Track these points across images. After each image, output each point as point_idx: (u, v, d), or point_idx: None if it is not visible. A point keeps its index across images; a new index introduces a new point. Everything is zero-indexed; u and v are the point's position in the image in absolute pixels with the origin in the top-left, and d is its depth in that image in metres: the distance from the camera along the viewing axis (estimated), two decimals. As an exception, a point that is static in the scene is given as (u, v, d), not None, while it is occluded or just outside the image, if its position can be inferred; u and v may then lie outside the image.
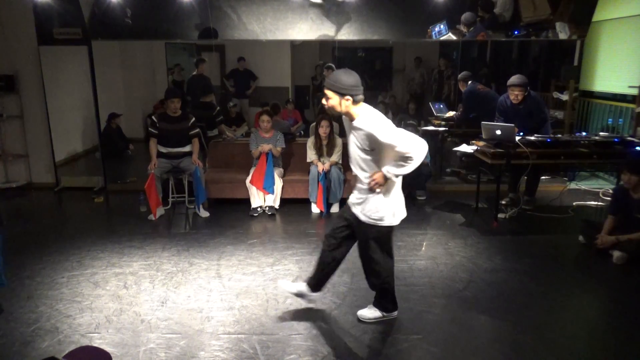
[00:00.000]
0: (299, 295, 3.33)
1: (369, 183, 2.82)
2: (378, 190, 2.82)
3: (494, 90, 6.41)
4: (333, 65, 6.97)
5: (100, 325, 3.14)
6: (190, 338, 3.00)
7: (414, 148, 2.72)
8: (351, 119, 2.83)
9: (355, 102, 2.79)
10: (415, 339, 2.99)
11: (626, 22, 6.14)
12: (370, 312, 3.20)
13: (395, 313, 3.22)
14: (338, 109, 2.80)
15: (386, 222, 2.91)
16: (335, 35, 6.28)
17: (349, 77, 2.78)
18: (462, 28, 6.29)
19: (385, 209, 2.89)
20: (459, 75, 6.34)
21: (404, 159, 2.73)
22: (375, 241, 2.97)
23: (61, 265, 4.08)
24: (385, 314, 3.19)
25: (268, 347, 2.91)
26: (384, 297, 3.17)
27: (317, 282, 3.28)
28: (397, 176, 2.81)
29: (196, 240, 4.62)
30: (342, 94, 2.76)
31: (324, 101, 2.86)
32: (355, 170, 2.94)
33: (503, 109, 5.27)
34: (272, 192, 5.34)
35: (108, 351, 2.83)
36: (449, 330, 3.10)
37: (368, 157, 2.83)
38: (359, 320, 3.18)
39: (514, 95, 5.08)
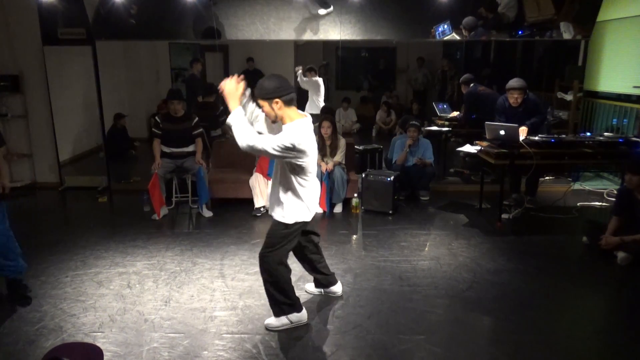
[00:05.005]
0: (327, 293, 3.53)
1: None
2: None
3: (497, 90, 6.40)
4: (315, 67, 7.06)
5: (104, 325, 3.15)
6: (193, 338, 3.00)
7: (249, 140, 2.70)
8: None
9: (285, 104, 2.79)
10: (419, 339, 2.98)
11: (631, 22, 6.11)
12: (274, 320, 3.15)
13: (299, 315, 3.13)
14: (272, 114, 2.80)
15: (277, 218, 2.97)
16: (339, 35, 6.27)
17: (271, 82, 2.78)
18: (464, 32, 6.29)
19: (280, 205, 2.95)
20: (461, 78, 6.35)
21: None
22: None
23: (65, 264, 4.10)
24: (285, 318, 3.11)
25: (271, 347, 2.91)
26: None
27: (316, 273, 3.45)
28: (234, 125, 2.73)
29: (199, 240, 4.62)
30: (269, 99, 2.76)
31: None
32: None
33: (502, 110, 5.27)
34: None
35: (111, 350, 2.85)
36: (452, 331, 3.10)
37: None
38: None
39: (514, 99, 5.11)
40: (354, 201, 5.43)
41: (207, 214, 5.33)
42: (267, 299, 3.16)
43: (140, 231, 4.87)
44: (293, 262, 4.07)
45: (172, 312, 3.31)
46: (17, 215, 5.51)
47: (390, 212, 5.34)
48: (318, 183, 3.08)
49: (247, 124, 2.73)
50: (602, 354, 2.94)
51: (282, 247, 2.97)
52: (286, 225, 2.93)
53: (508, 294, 3.57)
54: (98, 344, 2.80)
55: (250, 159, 5.66)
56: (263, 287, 3.62)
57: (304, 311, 3.16)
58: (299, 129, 2.74)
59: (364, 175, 5.54)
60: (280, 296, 3.04)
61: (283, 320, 3.09)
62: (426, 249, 4.43)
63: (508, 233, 4.79)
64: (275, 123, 2.89)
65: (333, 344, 2.94)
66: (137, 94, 7.48)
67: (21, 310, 3.35)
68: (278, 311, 3.08)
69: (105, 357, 2.74)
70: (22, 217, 5.53)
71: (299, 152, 2.72)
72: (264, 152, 2.69)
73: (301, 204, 2.92)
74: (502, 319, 3.23)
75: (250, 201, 5.45)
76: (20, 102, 6.41)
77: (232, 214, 5.38)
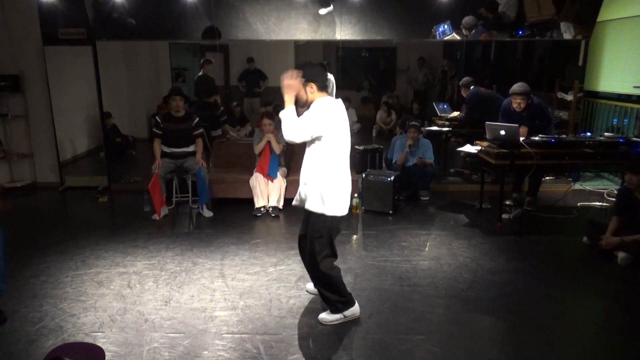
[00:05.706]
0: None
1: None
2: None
3: (496, 90, 6.40)
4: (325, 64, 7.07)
5: (104, 325, 3.15)
6: (193, 338, 3.01)
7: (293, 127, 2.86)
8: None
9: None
10: (419, 339, 2.98)
11: (631, 22, 6.11)
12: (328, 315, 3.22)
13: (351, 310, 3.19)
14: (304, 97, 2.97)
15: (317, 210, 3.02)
16: (339, 35, 6.28)
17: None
18: (464, 31, 6.29)
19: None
20: (461, 82, 6.34)
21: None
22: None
23: (65, 264, 4.10)
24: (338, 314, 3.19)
25: (271, 347, 2.91)
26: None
27: None
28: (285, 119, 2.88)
29: (200, 240, 4.63)
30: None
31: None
32: None
33: (506, 114, 5.24)
34: (275, 177, 5.36)
35: (112, 350, 2.85)
36: (452, 331, 3.10)
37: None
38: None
39: (517, 104, 5.08)
40: (354, 201, 5.42)
41: (207, 214, 5.33)
42: (271, 299, 3.18)
43: (140, 231, 4.87)
44: (293, 262, 4.08)
45: (172, 312, 3.31)
46: (17, 215, 5.53)
47: (391, 212, 5.35)
48: (349, 182, 3.08)
49: (296, 119, 2.86)
50: (602, 354, 2.94)
51: (319, 243, 3.03)
52: (321, 217, 2.98)
53: (508, 294, 3.57)
54: (98, 344, 2.80)
55: (250, 159, 5.67)
56: (264, 287, 3.66)
57: (357, 304, 3.22)
58: (325, 105, 2.91)
59: (364, 175, 5.54)
60: (334, 295, 3.12)
61: (337, 315, 3.16)
62: (426, 249, 4.43)
63: (508, 233, 4.79)
64: (302, 107, 2.98)
65: (333, 344, 2.94)
66: (137, 94, 7.47)
67: (21, 310, 3.35)
68: (334, 310, 3.16)
69: (105, 357, 2.75)
70: (22, 217, 5.54)
71: (325, 121, 2.85)
72: (306, 139, 2.87)
73: (334, 197, 2.97)
74: (502, 319, 3.23)
75: (250, 201, 5.45)
76: (21, 102, 6.42)
77: (233, 214, 5.38)
